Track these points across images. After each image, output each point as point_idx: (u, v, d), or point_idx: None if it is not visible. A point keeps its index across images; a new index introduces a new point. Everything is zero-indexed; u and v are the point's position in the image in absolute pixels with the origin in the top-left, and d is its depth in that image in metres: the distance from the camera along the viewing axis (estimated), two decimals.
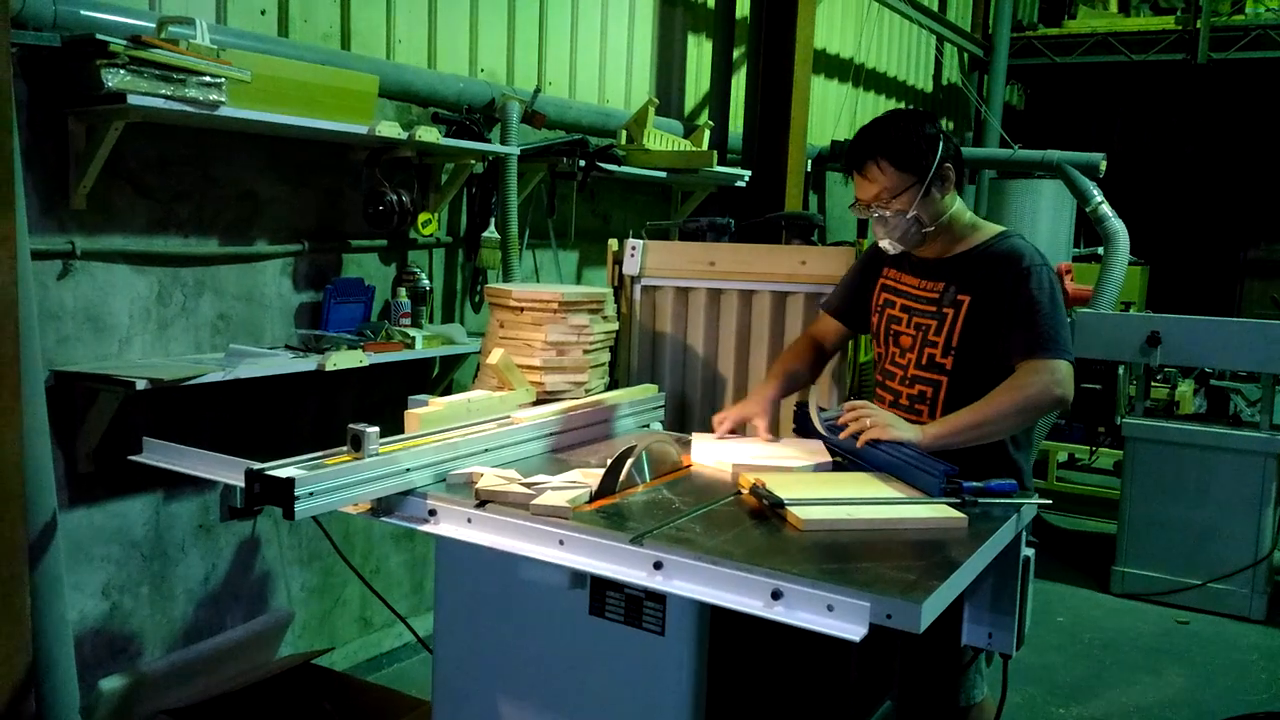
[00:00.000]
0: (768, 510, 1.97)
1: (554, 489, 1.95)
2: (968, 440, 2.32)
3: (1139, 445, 5.04)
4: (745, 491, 2.08)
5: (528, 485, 1.97)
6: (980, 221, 2.55)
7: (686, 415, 3.39)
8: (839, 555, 1.77)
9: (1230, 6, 9.26)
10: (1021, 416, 2.34)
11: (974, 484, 2.08)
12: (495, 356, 2.65)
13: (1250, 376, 5.21)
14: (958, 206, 2.50)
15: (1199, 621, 4.81)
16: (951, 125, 9.86)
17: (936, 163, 2.40)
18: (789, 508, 1.93)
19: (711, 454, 2.39)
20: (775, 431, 2.58)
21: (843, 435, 2.34)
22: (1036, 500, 2.15)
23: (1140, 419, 5.09)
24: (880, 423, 2.30)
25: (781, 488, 2.01)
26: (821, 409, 2.61)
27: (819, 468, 2.33)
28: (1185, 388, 6.41)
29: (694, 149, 5.01)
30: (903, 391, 2.56)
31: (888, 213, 2.44)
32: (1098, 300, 6.05)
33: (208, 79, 2.77)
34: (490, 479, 2.01)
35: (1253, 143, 10.70)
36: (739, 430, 2.60)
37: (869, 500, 2.04)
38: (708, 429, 3.32)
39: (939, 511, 1.99)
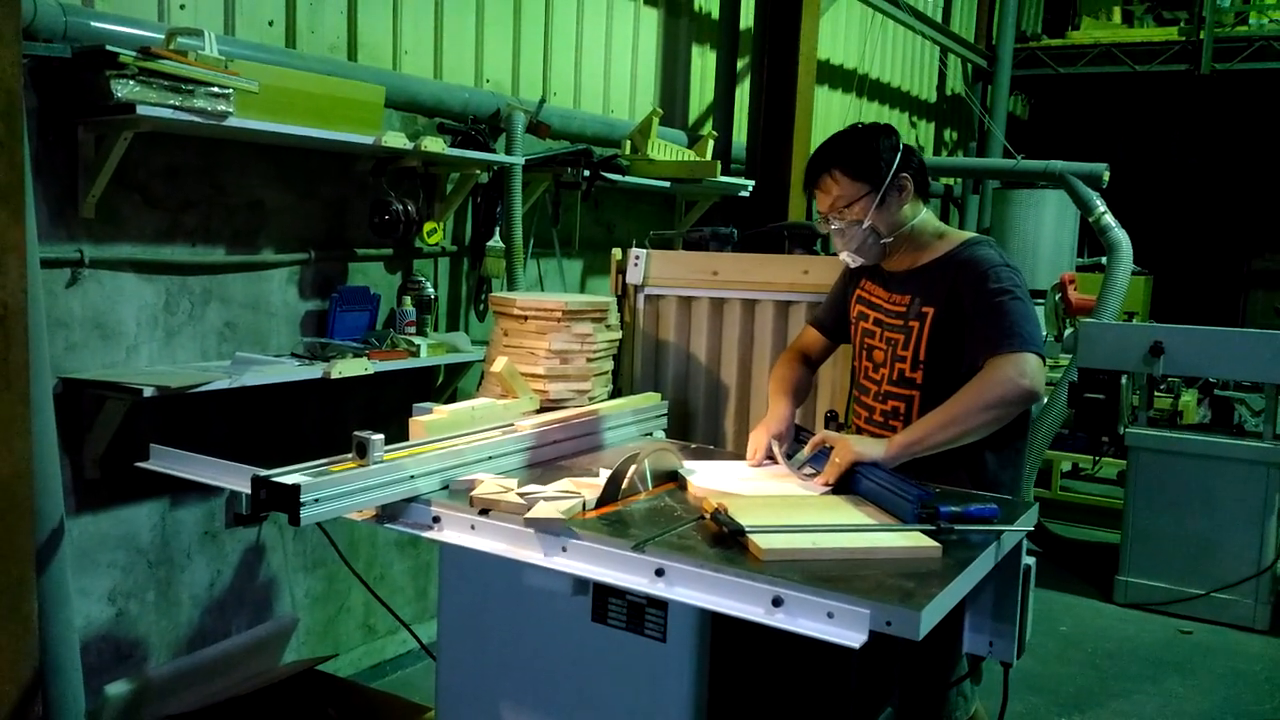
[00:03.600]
0: (728, 538, 1.83)
1: (546, 499, 1.95)
2: (939, 444, 2.26)
3: (1142, 455, 5.05)
4: (707, 517, 1.94)
5: (522, 495, 1.97)
6: (949, 231, 2.53)
7: (689, 424, 3.41)
8: (838, 563, 1.78)
9: (1234, 18, 9.30)
10: (991, 413, 2.25)
11: (951, 509, 1.93)
12: (499, 364, 2.66)
13: (1254, 387, 5.22)
14: (922, 217, 2.48)
15: (1202, 631, 4.80)
16: (955, 136, 9.88)
17: (892, 173, 2.40)
18: (750, 535, 1.80)
19: (712, 479, 2.30)
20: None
21: (815, 483, 2.27)
22: (1018, 528, 2.02)
23: (1144, 429, 5.10)
24: (844, 452, 2.22)
25: (744, 513, 1.88)
26: (801, 429, 2.57)
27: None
28: (1189, 398, 6.40)
29: (698, 159, 5.03)
30: (876, 407, 2.54)
31: (842, 223, 2.45)
32: (1101, 310, 6.05)
33: (216, 90, 2.80)
34: (486, 486, 2.02)
35: (1256, 153, 10.72)
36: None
37: (836, 527, 1.91)
38: (711, 439, 3.36)
39: (911, 540, 1.86)
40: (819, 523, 1.92)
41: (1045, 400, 6.14)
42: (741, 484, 2.28)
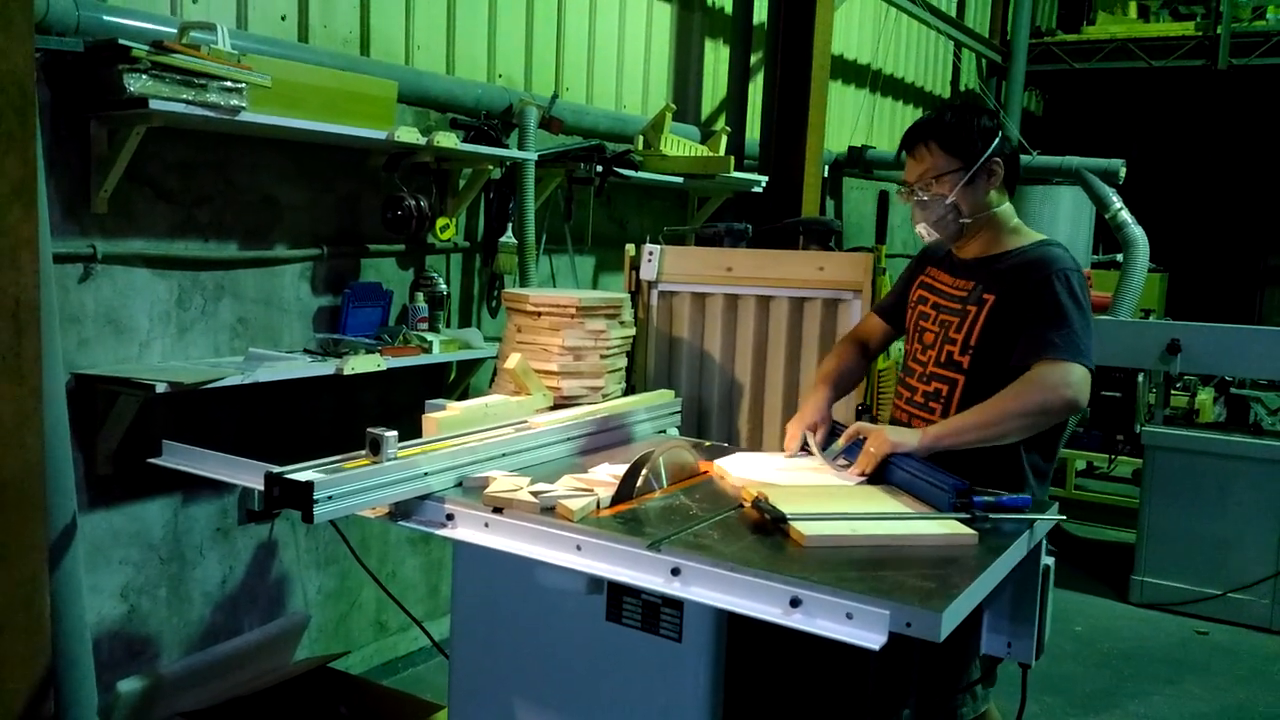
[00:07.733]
0: (770, 525, 1.91)
1: (560, 497, 1.94)
2: (972, 441, 2.26)
3: (1158, 454, 5.00)
4: (748, 505, 2.02)
5: (534, 494, 1.96)
6: (1025, 228, 2.53)
7: (703, 421, 3.39)
8: (858, 563, 1.76)
9: (1250, 12, 9.21)
10: (1029, 419, 2.25)
11: (985, 499, 2.02)
12: (512, 361, 2.65)
13: (1271, 385, 5.18)
14: (1004, 209, 2.48)
15: (1218, 632, 4.77)
16: None
17: (986, 155, 2.40)
18: (791, 522, 1.87)
19: (750, 469, 2.34)
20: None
21: (850, 472, 2.30)
22: (1050, 517, 2.09)
23: (1160, 427, 5.05)
24: (879, 442, 2.26)
25: (784, 501, 1.95)
26: (835, 424, 2.58)
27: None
28: (1205, 396, 6.36)
29: (711, 154, 5.01)
30: (919, 388, 2.54)
31: (926, 195, 2.45)
32: (1117, 307, 6.02)
33: (228, 84, 2.79)
34: (499, 484, 2.01)
35: (1273, 149, 10.62)
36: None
37: (875, 515, 1.98)
38: (725, 436, 3.34)
39: (948, 527, 1.93)
40: (859, 511, 1.98)
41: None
42: (778, 474, 2.32)
